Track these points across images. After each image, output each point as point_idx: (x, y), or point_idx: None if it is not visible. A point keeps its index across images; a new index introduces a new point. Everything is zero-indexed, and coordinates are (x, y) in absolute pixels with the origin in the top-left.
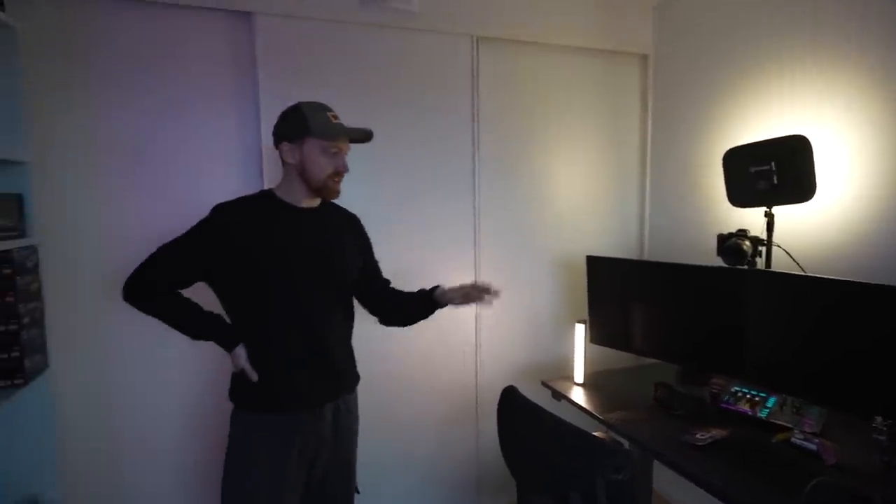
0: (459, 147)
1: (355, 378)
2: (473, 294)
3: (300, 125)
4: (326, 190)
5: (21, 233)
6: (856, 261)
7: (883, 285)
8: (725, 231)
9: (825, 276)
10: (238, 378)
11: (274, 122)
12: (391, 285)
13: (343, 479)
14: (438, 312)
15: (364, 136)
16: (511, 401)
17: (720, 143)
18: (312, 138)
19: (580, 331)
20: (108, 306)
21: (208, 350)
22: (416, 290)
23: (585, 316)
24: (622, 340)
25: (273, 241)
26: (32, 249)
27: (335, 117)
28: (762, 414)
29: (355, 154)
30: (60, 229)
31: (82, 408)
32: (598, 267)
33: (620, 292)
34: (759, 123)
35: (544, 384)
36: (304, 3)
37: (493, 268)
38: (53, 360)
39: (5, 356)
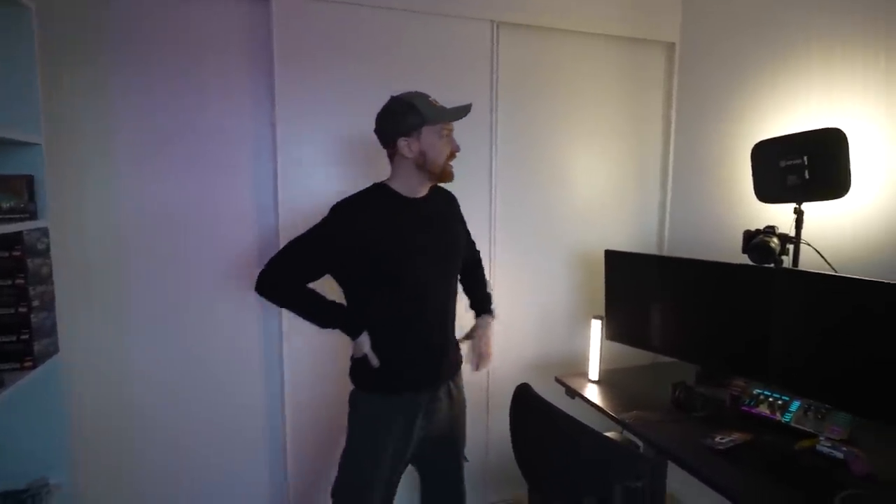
0: (477, 134)
1: (460, 359)
2: (474, 353)
3: (414, 116)
4: (446, 173)
5: (32, 214)
6: (892, 262)
7: None
8: (750, 227)
9: (857, 277)
10: (359, 362)
11: (292, 107)
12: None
13: (456, 451)
14: None
15: (467, 111)
16: (525, 399)
17: (748, 135)
18: (428, 126)
19: (596, 327)
20: (121, 292)
21: (225, 330)
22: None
23: (601, 311)
24: (640, 338)
25: (397, 234)
26: (43, 232)
27: (436, 101)
28: (786, 419)
29: (368, 141)
30: (75, 213)
31: (94, 393)
32: (616, 262)
33: (640, 288)
34: (792, 115)
35: (558, 380)
36: None
37: (507, 258)
38: (64, 345)
39: (14, 339)
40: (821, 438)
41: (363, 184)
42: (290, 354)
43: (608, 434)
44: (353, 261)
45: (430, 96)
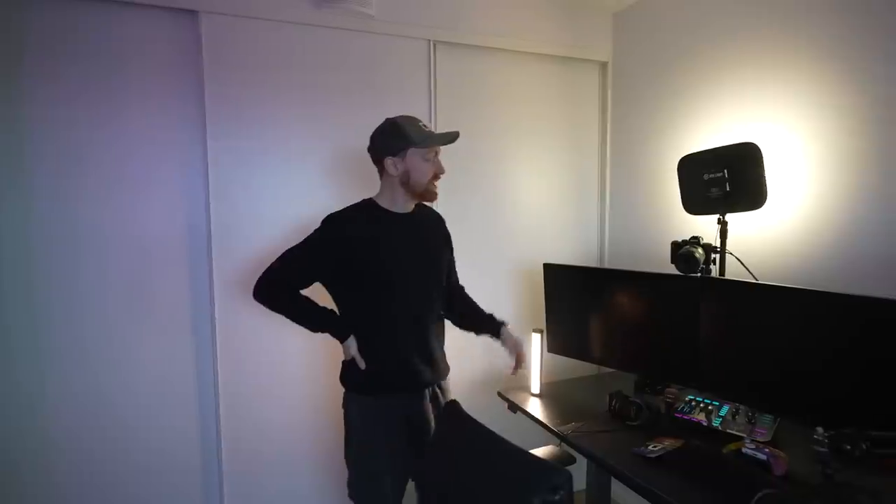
0: None
1: (447, 368)
2: (514, 358)
3: (401, 138)
4: (428, 193)
5: None
6: (809, 269)
7: (831, 293)
8: (681, 238)
9: (773, 284)
10: (348, 364)
11: (224, 124)
12: (464, 290)
13: None
14: None
15: (453, 138)
16: (452, 417)
17: (677, 150)
18: (414, 148)
19: (536, 340)
20: (36, 319)
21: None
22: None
23: (542, 325)
24: (579, 349)
25: (381, 243)
26: None
27: (426, 126)
28: (715, 423)
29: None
30: None
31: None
32: (554, 275)
33: (577, 300)
34: (716, 130)
35: (500, 395)
36: (253, 2)
37: None
38: None
39: None
40: (746, 441)
41: (303, 200)
42: (227, 387)
43: (545, 448)
44: (342, 268)
45: (420, 121)
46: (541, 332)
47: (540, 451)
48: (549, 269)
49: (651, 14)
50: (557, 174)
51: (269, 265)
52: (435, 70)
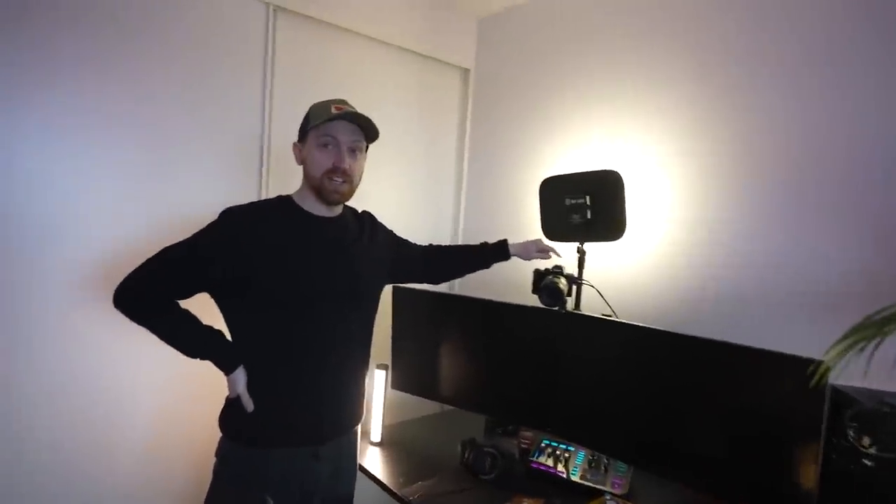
0: (245, 138)
1: (362, 413)
2: (535, 253)
3: (305, 121)
4: (324, 191)
5: None
6: (665, 308)
7: (689, 336)
8: (541, 266)
9: (641, 325)
10: (232, 404)
11: None
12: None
13: None
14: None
15: (354, 118)
16: None
17: (539, 170)
18: (312, 130)
19: (381, 378)
20: None
21: None
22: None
23: (387, 360)
24: (428, 387)
25: (286, 254)
26: None
27: (340, 108)
28: (574, 473)
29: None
30: None
31: None
32: (405, 301)
33: (429, 330)
34: (578, 150)
35: None
36: None
37: None
38: None
39: None
40: (606, 499)
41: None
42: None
43: None
44: (234, 276)
45: (342, 101)
46: (385, 367)
47: None
48: (399, 293)
49: (517, 23)
50: (410, 186)
51: (138, 266)
52: (274, 41)
